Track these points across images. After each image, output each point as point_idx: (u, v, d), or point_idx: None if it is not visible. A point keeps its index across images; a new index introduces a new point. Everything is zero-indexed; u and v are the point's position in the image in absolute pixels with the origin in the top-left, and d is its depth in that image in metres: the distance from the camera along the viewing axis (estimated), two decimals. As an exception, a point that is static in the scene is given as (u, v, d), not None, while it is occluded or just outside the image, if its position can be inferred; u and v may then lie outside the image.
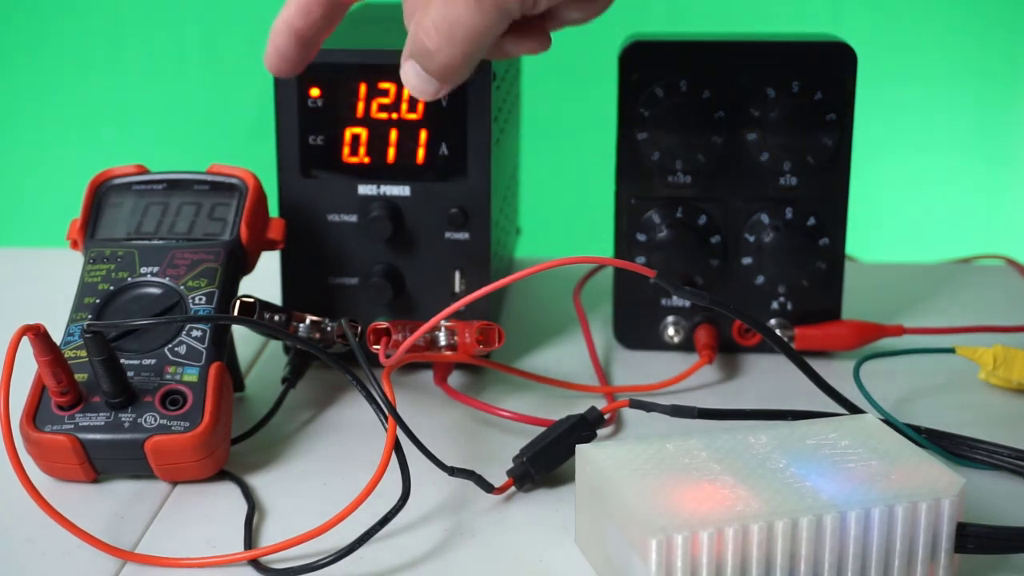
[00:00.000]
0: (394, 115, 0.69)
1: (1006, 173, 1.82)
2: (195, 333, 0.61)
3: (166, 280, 0.63)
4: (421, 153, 0.69)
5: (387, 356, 0.61)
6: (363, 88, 0.68)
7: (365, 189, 0.70)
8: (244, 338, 0.73)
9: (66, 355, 0.59)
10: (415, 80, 0.57)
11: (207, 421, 0.58)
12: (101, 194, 0.68)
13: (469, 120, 0.68)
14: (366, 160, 0.69)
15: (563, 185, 1.64)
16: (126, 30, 1.77)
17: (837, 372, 0.68)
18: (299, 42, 0.60)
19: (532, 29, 0.58)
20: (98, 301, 0.63)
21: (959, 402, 0.69)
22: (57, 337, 0.58)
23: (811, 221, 0.73)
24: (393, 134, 0.69)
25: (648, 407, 0.61)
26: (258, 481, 0.60)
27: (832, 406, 0.62)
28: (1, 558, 0.53)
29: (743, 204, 0.73)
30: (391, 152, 0.69)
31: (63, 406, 0.58)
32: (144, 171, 0.69)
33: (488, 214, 0.70)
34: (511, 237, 0.85)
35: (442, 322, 0.64)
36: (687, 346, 0.75)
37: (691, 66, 0.71)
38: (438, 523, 0.56)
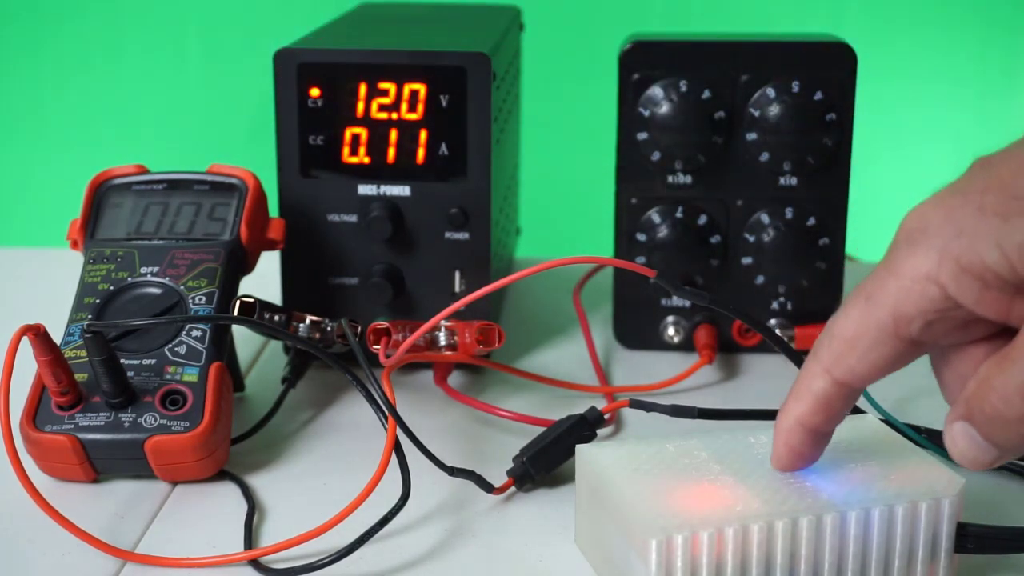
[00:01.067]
0: (394, 115, 0.69)
1: (1006, 173, 1.82)
2: (195, 333, 0.61)
3: (166, 280, 0.63)
4: (421, 153, 0.69)
5: (387, 356, 0.61)
6: (363, 88, 0.68)
7: (365, 189, 0.70)
8: (244, 338, 0.73)
9: (66, 355, 0.59)
10: (968, 447, 0.45)
11: (207, 421, 0.58)
12: (101, 194, 0.68)
13: (469, 120, 0.68)
14: (366, 160, 0.69)
15: (563, 185, 1.64)
16: (126, 30, 1.77)
17: (837, 372, 0.68)
18: (817, 437, 0.49)
19: None
20: (98, 301, 0.63)
21: (959, 402, 0.69)
22: (57, 337, 0.58)
23: (811, 221, 0.73)
24: (393, 134, 0.69)
25: (648, 407, 0.61)
26: (258, 481, 0.60)
27: (832, 406, 0.62)
28: (1, 558, 0.53)
29: (743, 204, 0.73)
30: (391, 152, 0.69)
31: (63, 406, 0.58)
32: (144, 171, 0.69)
33: (488, 214, 0.70)
34: (511, 237, 0.85)
35: (442, 322, 0.64)
36: (687, 346, 0.75)
37: (691, 66, 0.71)
38: (438, 523, 0.56)
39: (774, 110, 0.70)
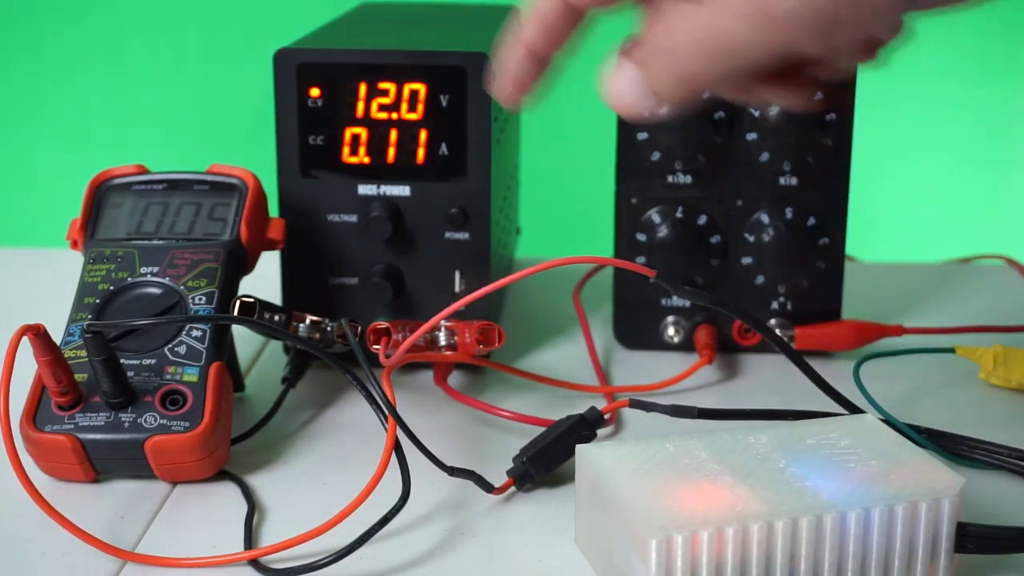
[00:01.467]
0: (394, 115, 0.69)
1: (1006, 173, 1.82)
2: (195, 333, 0.61)
3: (166, 280, 0.63)
4: (421, 153, 0.69)
5: (387, 356, 0.61)
6: (363, 88, 0.68)
7: (365, 189, 0.70)
8: (244, 338, 0.73)
9: (66, 355, 0.59)
10: (628, 91, 0.48)
11: (207, 421, 0.58)
12: (101, 194, 0.68)
13: (469, 120, 0.68)
14: (366, 160, 0.69)
15: (563, 185, 1.63)
16: (126, 30, 1.77)
17: (837, 372, 0.68)
18: (538, 65, 0.51)
19: (802, 80, 0.51)
20: (98, 301, 0.63)
21: (959, 402, 0.69)
22: (57, 337, 0.58)
23: (811, 221, 0.73)
24: (393, 134, 0.69)
25: (648, 407, 0.61)
26: (258, 481, 0.60)
27: (832, 406, 0.62)
28: (1, 558, 0.53)
29: (743, 204, 0.73)
30: (391, 152, 0.69)
31: (63, 406, 0.58)
32: (144, 171, 0.69)
33: (488, 214, 0.70)
34: (511, 237, 0.85)
35: (442, 322, 0.64)
36: (687, 346, 0.75)
37: (691, 66, 0.71)
38: (438, 523, 0.56)
39: (774, 110, 0.70)
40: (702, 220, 0.73)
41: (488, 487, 0.58)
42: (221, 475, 0.60)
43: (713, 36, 0.45)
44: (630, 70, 0.47)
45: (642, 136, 0.72)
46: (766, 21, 0.44)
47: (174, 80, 1.77)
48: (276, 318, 0.64)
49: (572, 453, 0.53)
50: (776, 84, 0.51)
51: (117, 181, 0.68)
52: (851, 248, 0.76)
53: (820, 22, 0.44)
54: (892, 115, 1.72)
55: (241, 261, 0.66)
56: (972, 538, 0.50)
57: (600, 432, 0.62)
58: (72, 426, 0.57)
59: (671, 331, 0.75)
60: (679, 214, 0.73)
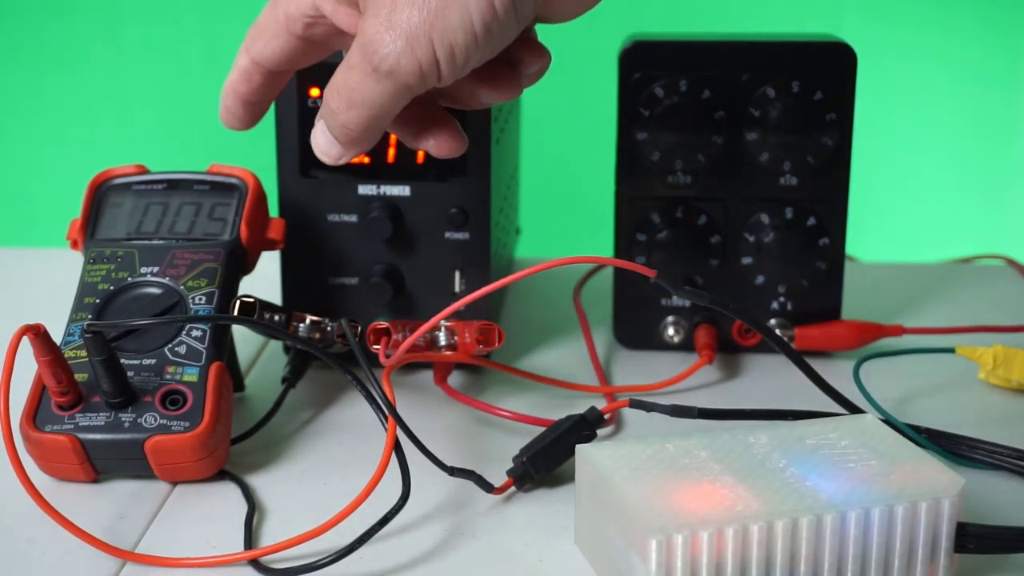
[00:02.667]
0: (394, 115, 0.69)
1: (1006, 173, 1.82)
2: (195, 333, 0.61)
3: (166, 280, 0.63)
4: (421, 153, 0.69)
5: (387, 356, 0.62)
6: (363, 88, 0.68)
7: (365, 189, 0.70)
8: (244, 338, 0.73)
9: (66, 355, 0.59)
10: (321, 140, 0.57)
11: (207, 421, 0.58)
12: (101, 194, 0.68)
13: (469, 120, 0.68)
14: (366, 160, 0.69)
15: (563, 185, 1.64)
16: (126, 30, 1.77)
17: (837, 372, 0.68)
18: (245, 104, 0.62)
19: (499, 75, 0.57)
20: (98, 301, 0.63)
21: (959, 402, 0.69)
22: (57, 337, 0.58)
23: (811, 221, 0.73)
24: (393, 134, 0.69)
25: (648, 407, 0.61)
26: (258, 481, 0.60)
27: (832, 406, 0.62)
28: (1, 558, 0.53)
29: (743, 204, 0.73)
30: (391, 152, 0.69)
31: (63, 406, 0.58)
32: (144, 171, 0.69)
33: (488, 214, 0.70)
34: (511, 237, 0.85)
35: (442, 322, 0.64)
36: (687, 346, 0.75)
37: (691, 66, 0.71)
38: (438, 523, 0.56)
39: (774, 110, 0.70)
40: (702, 220, 0.73)
41: (488, 487, 0.58)
42: (221, 475, 0.60)
43: (347, 92, 0.55)
44: (320, 122, 0.57)
45: (642, 136, 0.72)
46: (378, 75, 0.53)
47: (174, 80, 1.77)
48: (276, 318, 0.64)
49: (572, 453, 0.53)
50: (484, 83, 0.57)
51: (117, 181, 0.68)
52: (851, 248, 0.76)
53: (425, 69, 0.53)
54: (892, 115, 1.72)
55: (241, 261, 0.66)
56: (972, 538, 0.50)
57: (600, 432, 0.62)
58: (72, 426, 0.57)
59: (671, 331, 0.75)
60: (679, 214, 0.73)
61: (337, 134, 0.56)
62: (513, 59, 0.57)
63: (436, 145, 0.60)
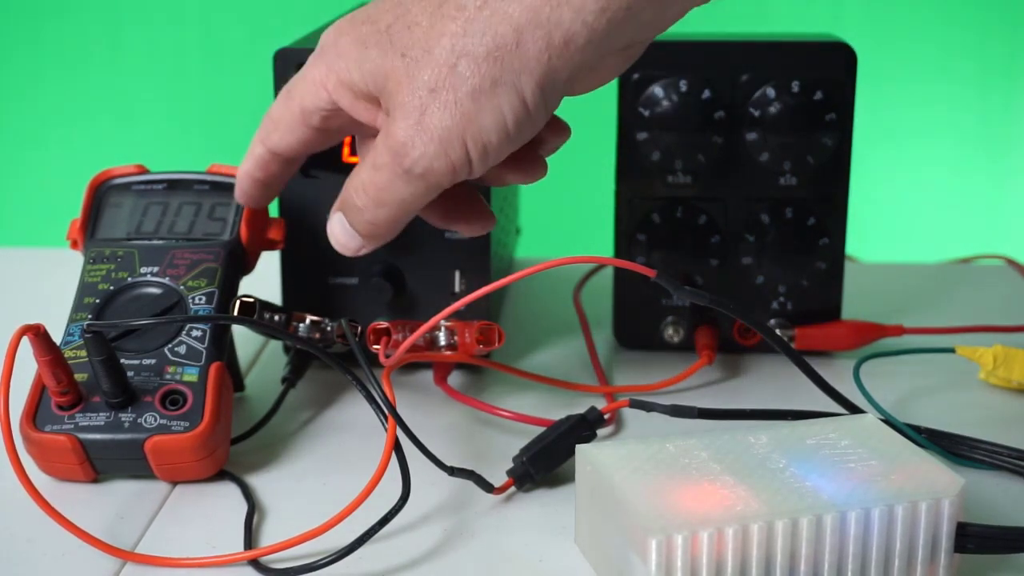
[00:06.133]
0: (394, 115, 0.68)
1: (1006, 173, 1.83)
2: (195, 333, 0.61)
3: (166, 280, 0.63)
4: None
5: (387, 356, 0.61)
6: (363, 88, 0.68)
7: (365, 189, 0.70)
8: (244, 338, 0.73)
9: (66, 355, 0.59)
10: (340, 233, 0.57)
11: (207, 421, 0.58)
12: (101, 194, 0.68)
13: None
14: (366, 160, 0.69)
15: (563, 185, 1.63)
16: (126, 30, 1.77)
17: (837, 372, 0.68)
18: (262, 187, 0.62)
19: (525, 159, 0.57)
20: (98, 301, 0.63)
21: (959, 402, 0.69)
22: (57, 337, 0.58)
23: (811, 221, 0.73)
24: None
25: (648, 407, 0.61)
26: (258, 481, 0.60)
27: (832, 406, 0.62)
28: (1, 558, 0.53)
29: (743, 204, 0.73)
30: (391, 152, 0.69)
31: (63, 406, 0.58)
32: (144, 171, 0.69)
33: (488, 214, 0.70)
34: (511, 237, 0.85)
35: (442, 322, 0.64)
36: (687, 346, 0.75)
37: (691, 66, 0.71)
38: (438, 523, 0.56)
39: (774, 110, 0.70)
40: (702, 220, 0.73)
41: (488, 487, 0.58)
42: (221, 475, 0.60)
43: (375, 191, 0.54)
44: (338, 215, 0.57)
45: (642, 136, 0.72)
46: (410, 177, 0.53)
47: (174, 80, 1.78)
48: (276, 318, 0.64)
49: (572, 453, 0.53)
50: (511, 168, 0.57)
51: (117, 181, 0.68)
52: (851, 248, 0.76)
53: (457, 167, 0.52)
54: (892, 115, 1.72)
55: (241, 261, 0.66)
56: (972, 538, 0.50)
57: (600, 432, 0.62)
58: (72, 426, 0.57)
59: (671, 331, 0.75)
60: (679, 214, 0.73)
61: (361, 229, 0.56)
62: (535, 140, 0.56)
63: (468, 228, 0.61)
